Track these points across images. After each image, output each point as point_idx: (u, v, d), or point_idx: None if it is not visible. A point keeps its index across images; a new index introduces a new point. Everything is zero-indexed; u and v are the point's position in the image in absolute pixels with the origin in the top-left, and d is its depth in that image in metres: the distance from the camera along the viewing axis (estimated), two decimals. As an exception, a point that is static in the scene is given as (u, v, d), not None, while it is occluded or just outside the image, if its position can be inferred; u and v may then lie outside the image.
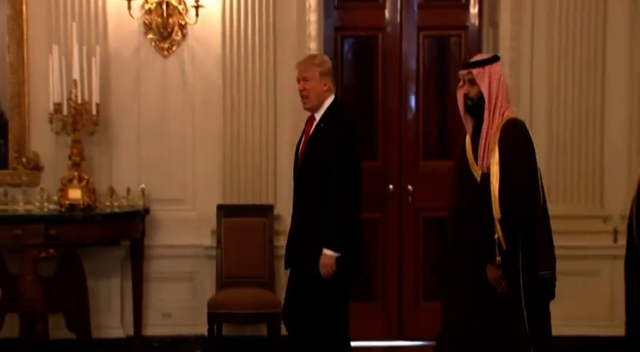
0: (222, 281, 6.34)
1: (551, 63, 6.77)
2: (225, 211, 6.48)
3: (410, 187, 6.96)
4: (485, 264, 4.67)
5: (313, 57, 5.39)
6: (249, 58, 6.63)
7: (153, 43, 6.67)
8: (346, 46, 7.10)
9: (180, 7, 6.64)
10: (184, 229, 6.64)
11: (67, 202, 6.28)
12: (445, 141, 7.10)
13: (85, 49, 6.37)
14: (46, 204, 6.42)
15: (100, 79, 6.35)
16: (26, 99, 6.59)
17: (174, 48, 6.69)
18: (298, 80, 5.21)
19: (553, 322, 6.75)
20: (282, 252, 6.60)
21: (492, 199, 4.60)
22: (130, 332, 6.60)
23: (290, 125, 6.70)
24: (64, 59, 6.32)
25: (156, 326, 6.66)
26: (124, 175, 6.62)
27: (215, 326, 6.12)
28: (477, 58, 4.90)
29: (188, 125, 6.69)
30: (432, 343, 6.78)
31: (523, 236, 4.64)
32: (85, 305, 6.44)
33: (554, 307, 6.77)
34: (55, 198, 6.39)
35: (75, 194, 6.31)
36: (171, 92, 6.68)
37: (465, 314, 4.78)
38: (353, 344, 6.64)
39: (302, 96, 5.21)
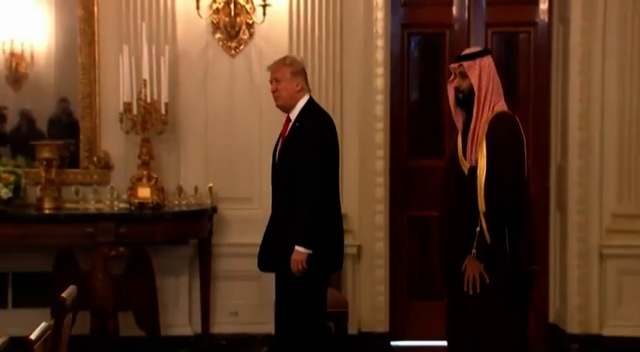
0: (289, 280, 6.34)
1: (623, 59, 6.65)
2: (291, 210, 6.49)
3: (477, 185, 6.91)
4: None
5: (284, 58, 5.38)
6: (316, 56, 6.64)
7: (220, 43, 6.72)
8: (413, 44, 7.07)
9: (248, 7, 6.67)
10: (252, 228, 6.62)
11: (137, 201, 6.37)
12: (513, 138, 7.04)
13: (154, 48, 6.44)
14: (116, 202, 6.52)
15: (168, 78, 6.42)
16: (97, 99, 6.69)
17: (241, 47, 6.73)
18: (271, 82, 5.22)
19: (618, 322, 6.67)
20: (349, 250, 6.67)
21: (478, 192, 4.52)
22: (198, 329, 6.66)
23: (356, 123, 6.71)
24: (134, 59, 6.39)
25: (223, 324, 6.72)
26: (192, 174, 6.68)
27: (282, 325, 6.14)
28: (467, 51, 4.81)
29: (255, 124, 6.72)
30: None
31: (509, 230, 4.54)
32: (154, 303, 6.48)
33: (621, 307, 6.70)
34: (125, 196, 6.49)
35: (144, 192, 6.39)
36: (239, 91, 6.72)
37: (453, 311, 4.72)
38: (418, 343, 6.75)
39: (274, 97, 5.22)
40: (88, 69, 6.68)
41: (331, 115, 6.57)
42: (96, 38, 6.68)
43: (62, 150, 6.56)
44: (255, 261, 6.59)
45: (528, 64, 7.01)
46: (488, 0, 6.97)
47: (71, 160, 6.69)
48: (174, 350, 6.49)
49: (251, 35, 6.72)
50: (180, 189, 6.58)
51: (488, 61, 4.69)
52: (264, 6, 6.55)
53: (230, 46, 6.72)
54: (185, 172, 6.70)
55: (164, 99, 6.41)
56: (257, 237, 6.57)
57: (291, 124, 5.17)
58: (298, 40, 6.64)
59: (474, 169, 4.59)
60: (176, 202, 6.54)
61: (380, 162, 6.71)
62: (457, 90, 4.74)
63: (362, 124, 6.75)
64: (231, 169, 6.70)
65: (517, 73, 7.03)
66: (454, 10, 6.98)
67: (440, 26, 7.03)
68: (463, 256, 4.60)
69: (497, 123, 4.58)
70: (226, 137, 6.72)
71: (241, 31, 6.71)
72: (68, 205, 6.50)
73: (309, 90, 5.25)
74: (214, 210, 6.60)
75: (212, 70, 6.73)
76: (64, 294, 3.71)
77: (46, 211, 6.36)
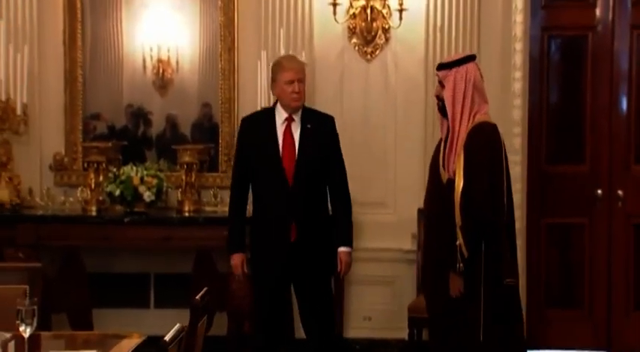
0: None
1: None
2: (426, 215, 6.46)
3: (620, 192, 6.69)
4: (445, 272, 4.54)
5: (296, 56, 5.47)
6: (453, 60, 6.58)
7: (356, 48, 6.74)
8: (553, 47, 6.90)
9: (384, 11, 6.67)
10: (385, 233, 6.66)
11: (273, 204, 6.45)
12: (661, 144, 6.80)
13: (291, 53, 6.48)
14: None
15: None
16: (236, 104, 6.81)
17: (377, 52, 6.73)
18: (292, 81, 5.11)
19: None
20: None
21: (455, 205, 4.44)
22: (332, 333, 6.70)
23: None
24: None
25: (357, 329, 6.71)
26: None
27: (415, 331, 6.11)
28: (448, 58, 4.76)
29: (390, 128, 6.71)
30: (643, 355, 6.60)
31: (486, 244, 4.45)
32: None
33: None
34: (261, 200, 6.58)
35: (280, 197, 6.46)
36: (374, 96, 6.73)
37: (430, 322, 4.76)
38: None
39: (297, 98, 5.13)
40: (228, 74, 6.82)
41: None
42: (236, 44, 6.81)
43: (202, 154, 6.72)
44: (389, 265, 6.69)
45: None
46: (634, 0, 6.73)
47: (211, 164, 6.84)
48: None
49: (387, 40, 6.72)
50: (315, 194, 6.64)
51: (465, 70, 4.58)
52: (401, 10, 6.54)
53: (366, 51, 6.73)
54: (320, 176, 6.75)
55: (300, 104, 6.47)
56: (391, 242, 6.67)
57: (299, 127, 5.15)
58: (434, 44, 6.59)
59: (451, 181, 4.52)
60: (311, 206, 6.59)
61: (517, 168, 6.58)
62: (437, 97, 4.68)
63: (499, 129, 6.63)
64: (365, 174, 6.66)
65: (664, 76, 6.78)
66: (597, 11, 6.77)
67: (582, 28, 6.83)
68: (434, 266, 4.62)
69: (475, 135, 4.50)
70: (361, 142, 6.71)
71: (377, 36, 6.71)
72: (207, 208, 6.65)
73: None
74: (349, 214, 6.62)
75: (348, 74, 6.75)
76: (198, 296, 3.79)
77: (186, 214, 6.53)
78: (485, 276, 4.49)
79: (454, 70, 4.60)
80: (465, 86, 4.57)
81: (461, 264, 4.47)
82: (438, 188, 4.66)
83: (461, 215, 4.45)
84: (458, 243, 4.47)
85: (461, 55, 4.78)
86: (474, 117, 4.57)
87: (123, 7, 6.88)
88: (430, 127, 6.56)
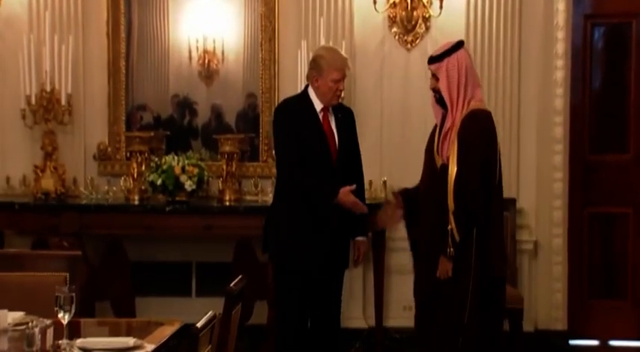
0: (463, 275, 6.29)
1: None
2: (466, 204, 6.43)
3: (664, 181, 6.64)
4: (435, 254, 4.60)
5: (338, 50, 5.46)
6: (493, 49, 6.56)
7: (397, 37, 6.73)
8: (596, 35, 6.83)
9: (425, 0, 6.65)
10: (425, 222, 6.64)
11: (312, 194, 6.46)
12: None
13: (331, 43, 6.51)
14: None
15: (344, 73, 6.49)
16: (276, 94, 6.83)
17: (417, 41, 6.72)
18: (339, 80, 5.09)
19: None
20: (526, 246, 6.55)
21: (448, 190, 4.50)
22: (372, 322, 6.69)
23: (535, 116, 6.59)
24: (312, 54, 6.48)
25: (397, 318, 6.70)
26: (367, 167, 6.55)
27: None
28: (437, 50, 4.72)
29: (430, 118, 6.52)
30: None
31: (477, 231, 4.51)
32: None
33: None
34: (302, 189, 6.60)
35: (320, 186, 6.47)
36: (414, 85, 6.71)
37: (419, 302, 4.84)
38: (598, 342, 6.58)
39: (339, 95, 5.19)
40: (268, 64, 6.85)
41: (507, 109, 6.55)
42: (276, 34, 6.83)
43: (243, 143, 6.76)
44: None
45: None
46: (681, -15, 6.66)
47: (252, 153, 6.87)
48: (349, 342, 6.54)
49: (427, 29, 6.70)
50: (354, 183, 6.64)
51: (456, 58, 4.62)
52: (441, -1, 6.53)
53: (406, 40, 6.72)
54: (360, 166, 6.76)
55: (341, 93, 6.48)
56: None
57: (333, 116, 5.16)
58: (475, 33, 6.57)
59: (445, 166, 4.58)
60: (351, 195, 6.59)
61: (558, 157, 6.56)
62: (433, 90, 4.71)
63: (540, 118, 6.62)
64: (405, 163, 6.66)
65: None
66: (642, -3, 6.71)
67: (626, 16, 6.77)
68: (426, 249, 4.71)
69: (468, 123, 4.54)
70: (401, 131, 6.74)
71: (418, 25, 6.70)
72: (248, 197, 6.69)
73: None
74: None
75: (388, 64, 6.75)
76: (232, 284, 3.82)
77: (227, 203, 6.57)
78: (475, 263, 4.54)
79: (445, 60, 4.64)
80: (459, 74, 4.62)
81: (451, 249, 4.54)
82: (432, 173, 4.72)
83: (454, 201, 4.51)
84: (450, 227, 4.54)
85: (449, 44, 4.74)
86: (468, 103, 4.61)
87: (169, -1, 6.95)
88: (470, 116, 6.53)
